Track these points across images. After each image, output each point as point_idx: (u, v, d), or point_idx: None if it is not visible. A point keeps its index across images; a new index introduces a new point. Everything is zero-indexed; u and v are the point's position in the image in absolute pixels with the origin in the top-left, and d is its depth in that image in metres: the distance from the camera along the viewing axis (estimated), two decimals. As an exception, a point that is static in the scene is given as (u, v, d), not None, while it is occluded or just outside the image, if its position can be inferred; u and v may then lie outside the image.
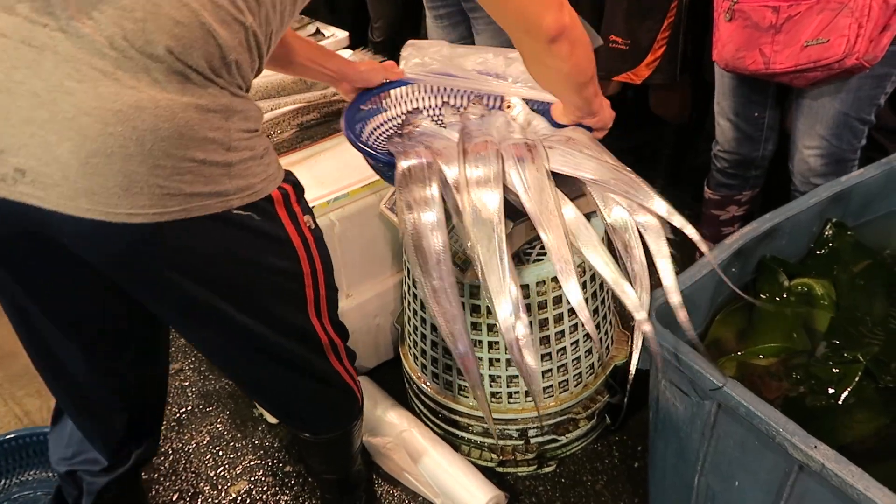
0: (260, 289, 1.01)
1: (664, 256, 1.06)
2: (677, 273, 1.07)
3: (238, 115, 0.90)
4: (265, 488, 1.65)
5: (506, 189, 1.08)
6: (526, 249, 1.43)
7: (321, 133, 1.76)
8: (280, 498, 1.62)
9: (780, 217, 1.33)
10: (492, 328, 1.43)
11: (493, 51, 1.45)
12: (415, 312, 1.54)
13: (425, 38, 2.47)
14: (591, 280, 1.45)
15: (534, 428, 1.55)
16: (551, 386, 1.50)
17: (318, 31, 2.35)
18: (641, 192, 1.08)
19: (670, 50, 2.03)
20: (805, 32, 1.41)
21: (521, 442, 1.58)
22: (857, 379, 1.13)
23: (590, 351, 1.53)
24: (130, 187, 0.81)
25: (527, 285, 1.38)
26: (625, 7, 2.00)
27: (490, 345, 1.44)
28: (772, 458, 0.95)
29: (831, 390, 1.13)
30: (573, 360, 1.50)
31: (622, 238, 1.09)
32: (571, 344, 1.48)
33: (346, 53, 2.28)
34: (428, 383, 1.60)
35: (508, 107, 1.34)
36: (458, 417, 1.57)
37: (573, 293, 1.04)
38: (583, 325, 1.46)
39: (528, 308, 1.39)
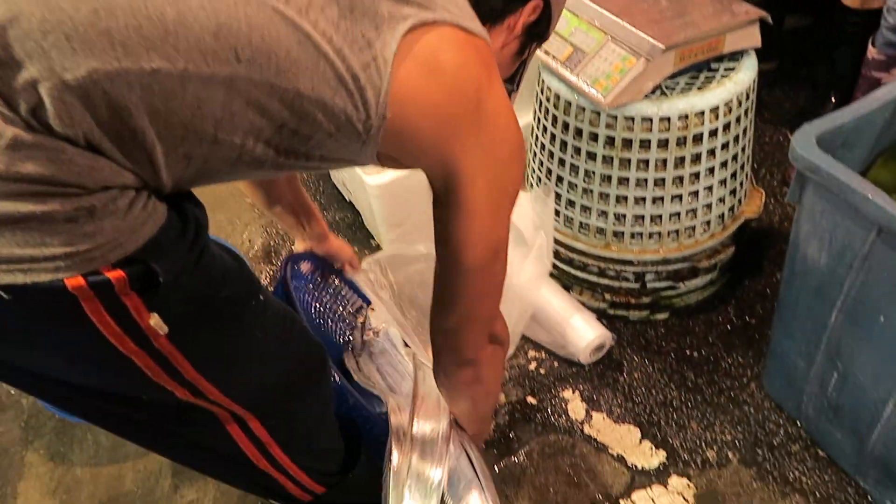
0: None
1: None
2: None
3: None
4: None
5: None
6: (668, 84, 1.36)
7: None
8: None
9: (964, 62, 1.21)
10: (624, 163, 1.39)
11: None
12: (542, 147, 1.51)
13: None
14: (735, 121, 1.37)
15: (651, 272, 1.53)
16: (677, 230, 1.47)
17: None
18: None
19: None
20: None
21: (637, 286, 1.56)
22: None
23: (722, 199, 1.47)
24: None
25: (668, 118, 1.32)
26: None
27: (619, 180, 1.41)
28: (932, 288, 0.90)
29: None
30: (704, 206, 1.45)
31: None
32: (705, 188, 1.42)
33: None
34: (548, 219, 1.59)
35: None
36: (574, 256, 1.57)
37: None
38: (720, 169, 1.41)
39: (666, 143, 1.34)
